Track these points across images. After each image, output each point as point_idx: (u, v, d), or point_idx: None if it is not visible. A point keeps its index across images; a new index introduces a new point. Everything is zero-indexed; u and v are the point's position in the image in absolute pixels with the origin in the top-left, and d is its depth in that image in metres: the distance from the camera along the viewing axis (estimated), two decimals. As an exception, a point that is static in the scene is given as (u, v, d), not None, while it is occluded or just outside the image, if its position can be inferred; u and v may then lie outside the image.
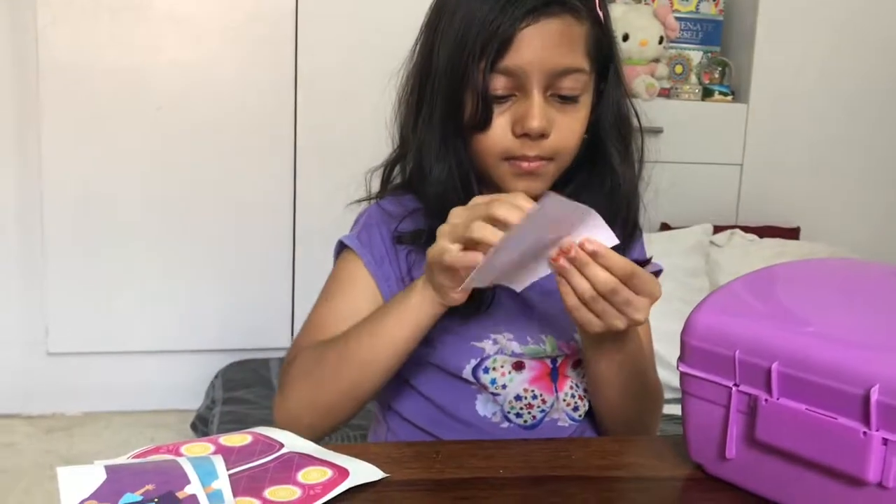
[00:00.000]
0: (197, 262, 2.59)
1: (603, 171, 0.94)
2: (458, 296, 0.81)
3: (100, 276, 2.55)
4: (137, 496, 0.65)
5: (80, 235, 2.51)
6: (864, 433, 0.61)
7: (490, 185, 0.92)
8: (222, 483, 0.68)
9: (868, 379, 0.61)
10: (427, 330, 0.85)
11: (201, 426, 2.35)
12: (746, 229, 2.71)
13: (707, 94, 2.74)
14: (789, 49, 2.74)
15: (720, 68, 2.79)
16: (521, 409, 0.94)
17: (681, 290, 2.42)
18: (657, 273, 1.01)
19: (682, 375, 0.75)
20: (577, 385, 0.97)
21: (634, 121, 0.97)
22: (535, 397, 0.94)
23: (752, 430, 0.69)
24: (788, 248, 2.67)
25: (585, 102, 0.90)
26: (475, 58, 0.85)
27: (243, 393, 2.33)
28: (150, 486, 0.67)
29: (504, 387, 0.93)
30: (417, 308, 0.84)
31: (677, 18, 2.66)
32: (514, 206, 0.75)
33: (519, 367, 0.94)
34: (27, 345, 2.57)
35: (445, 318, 0.87)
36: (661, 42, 2.62)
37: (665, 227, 2.70)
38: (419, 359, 0.93)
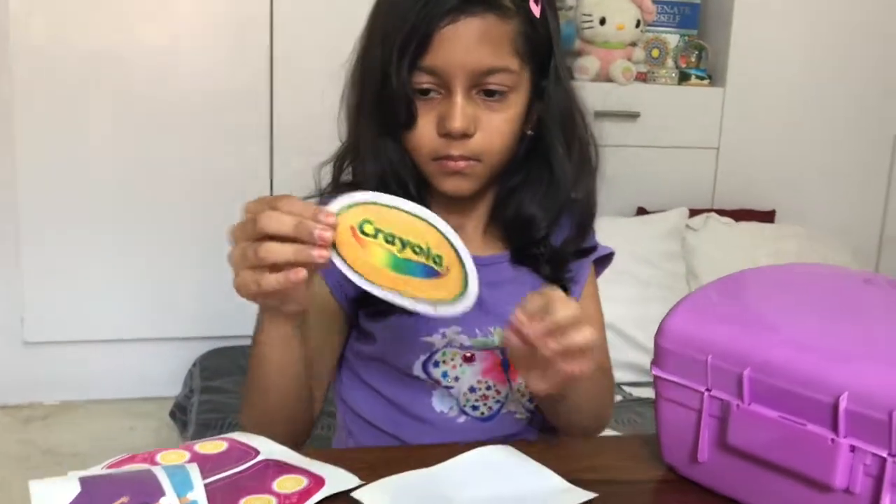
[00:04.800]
0: (174, 250, 2.57)
1: (544, 168, 0.94)
2: (294, 306, 0.77)
3: (76, 264, 2.52)
4: (112, 509, 0.65)
5: (55, 223, 2.48)
6: (833, 440, 0.62)
7: (427, 183, 0.92)
8: (197, 494, 0.68)
9: (837, 387, 0.62)
10: (295, 339, 0.81)
11: (180, 414, 2.34)
12: (722, 213, 2.73)
13: (684, 77, 2.74)
14: (766, 32, 2.74)
15: (697, 52, 2.79)
16: (477, 401, 0.95)
17: (657, 275, 2.44)
18: (609, 256, 1.02)
19: (656, 379, 0.76)
20: None
21: (588, 113, 0.96)
22: (489, 388, 0.95)
23: (724, 435, 0.70)
24: (764, 232, 2.69)
25: (516, 101, 0.88)
26: (398, 56, 0.84)
27: (221, 382, 2.33)
28: (124, 499, 0.67)
29: (457, 379, 0.94)
30: (270, 328, 0.80)
31: (654, 2, 2.65)
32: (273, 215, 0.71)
33: (469, 359, 0.94)
34: (3, 335, 2.55)
35: (393, 317, 0.87)
36: (637, 25, 2.61)
37: (641, 211, 2.71)
38: (373, 359, 0.94)
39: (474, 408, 0.95)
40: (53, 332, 2.56)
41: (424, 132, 0.87)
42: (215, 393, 2.26)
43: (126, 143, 2.47)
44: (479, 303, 0.93)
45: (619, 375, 2.36)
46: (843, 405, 0.62)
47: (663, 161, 2.75)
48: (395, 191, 0.88)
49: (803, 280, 0.82)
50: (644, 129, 2.70)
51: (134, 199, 2.51)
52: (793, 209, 2.88)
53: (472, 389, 0.95)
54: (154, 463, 0.74)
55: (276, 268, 0.70)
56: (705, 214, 2.68)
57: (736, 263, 2.48)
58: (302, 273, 0.69)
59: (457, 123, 0.84)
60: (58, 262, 2.51)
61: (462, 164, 0.87)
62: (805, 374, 0.64)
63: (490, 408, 0.96)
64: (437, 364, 0.94)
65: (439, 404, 0.95)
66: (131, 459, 0.75)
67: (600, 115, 2.63)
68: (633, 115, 2.67)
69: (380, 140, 0.89)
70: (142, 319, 2.60)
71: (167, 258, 2.57)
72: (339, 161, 0.97)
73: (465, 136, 0.85)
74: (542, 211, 0.94)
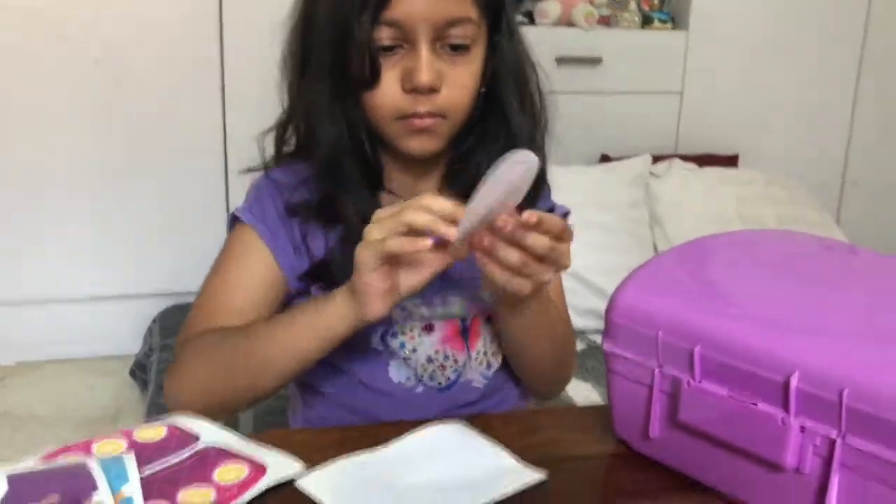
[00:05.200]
0: (129, 206, 2.51)
1: (500, 124, 0.91)
2: (383, 306, 0.77)
3: (30, 223, 2.46)
4: (41, 508, 0.63)
5: (8, 183, 2.41)
6: (783, 420, 0.61)
7: (384, 145, 0.89)
8: (133, 488, 0.66)
9: (788, 366, 0.61)
10: (338, 344, 0.82)
11: (140, 373, 2.31)
12: (686, 158, 2.71)
13: (647, 21, 2.69)
14: (729, -27, 2.70)
15: (660, -7, 2.74)
16: (434, 371, 0.93)
17: (621, 223, 2.43)
18: (565, 215, 1.00)
19: (607, 354, 0.74)
20: (489, 341, 0.96)
21: (539, 66, 0.94)
22: (446, 358, 0.93)
23: (675, 412, 0.68)
24: (726, 177, 2.68)
25: (477, 55, 0.86)
26: (357, 9, 0.80)
27: (181, 340, 2.29)
28: (53, 498, 0.64)
29: (414, 350, 0.92)
30: (335, 320, 0.79)
31: (616, -58, 2.59)
32: (421, 209, 0.72)
33: (429, 329, 0.93)
34: (-43, 296, 2.49)
35: None
36: (600, -33, 2.56)
37: (605, 158, 2.69)
38: None
39: (432, 378, 0.93)
40: (9, 291, 2.51)
41: (388, 90, 0.83)
42: (174, 351, 2.22)
43: (81, 104, 2.40)
44: (440, 273, 0.91)
45: (584, 323, 2.36)
46: (793, 384, 0.60)
47: (626, 107, 2.72)
48: (352, 156, 0.86)
49: (761, 247, 0.80)
50: (606, 75, 2.65)
51: (88, 157, 2.44)
52: (756, 154, 2.87)
53: (429, 360, 0.93)
54: (89, 453, 0.71)
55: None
56: (669, 160, 2.66)
57: (699, 209, 2.50)
58: (428, 242, 0.72)
59: (424, 77, 0.81)
60: (13, 220, 2.44)
61: (429, 121, 0.84)
62: (756, 353, 0.62)
63: (448, 377, 0.94)
64: (395, 335, 0.92)
65: (396, 375, 0.93)
66: (65, 451, 0.72)
67: (562, 60, 2.58)
68: (595, 61, 2.62)
69: (336, 102, 0.85)
70: (100, 277, 2.55)
71: (125, 215, 2.51)
72: (283, 128, 0.93)
73: (432, 91, 0.83)
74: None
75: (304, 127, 0.89)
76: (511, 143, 0.90)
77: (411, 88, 0.82)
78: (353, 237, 0.80)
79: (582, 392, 2.01)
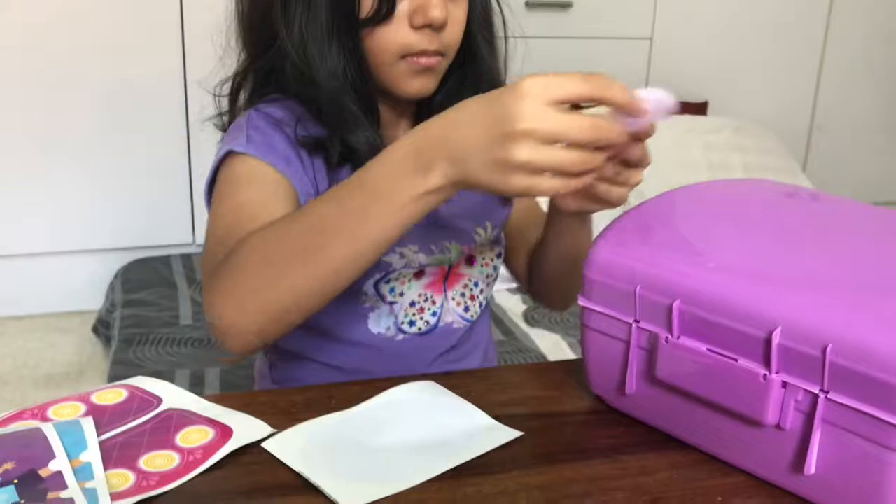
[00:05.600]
0: (91, 161, 2.44)
1: (475, 68, 0.91)
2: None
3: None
4: (-6, 478, 0.59)
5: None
6: (765, 376, 0.59)
7: (378, 89, 0.86)
8: (92, 454, 0.63)
9: (770, 321, 0.59)
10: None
11: (103, 329, 2.27)
12: (655, 106, 2.69)
13: (617, -36, 2.64)
14: (700, -85, 2.65)
15: (630, -64, 2.68)
16: (414, 315, 0.92)
17: (590, 172, 2.40)
18: None
19: (583, 310, 0.72)
20: (472, 284, 0.95)
21: (506, 7, 0.94)
22: (426, 300, 0.92)
23: (653, 368, 0.67)
24: (696, 124, 2.67)
25: None
26: None
27: (144, 294, 2.25)
28: (8, 465, 0.61)
29: (402, 294, 0.90)
30: (426, 196, 0.64)
31: None
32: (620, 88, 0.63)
33: (419, 274, 0.91)
34: (-89, 252, 2.41)
35: None
36: None
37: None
38: None
39: (411, 323, 0.92)
40: (-37, 247, 2.44)
41: (398, 26, 0.81)
42: (138, 306, 2.18)
43: (38, 55, 2.31)
44: (434, 219, 0.88)
45: (552, 275, 2.35)
46: (776, 340, 0.58)
47: (596, 53, 2.68)
48: (353, 94, 0.83)
49: (735, 198, 0.77)
50: (576, 20, 2.61)
51: (49, 111, 2.36)
52: (725, 101, 2.86)
53: (412, 304, 0.91)
54: (45, 419, 0.68)
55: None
56: (638, 108, 2.64)
57: (667, 155, 2.48)
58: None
59: (438, 12, 0.80)
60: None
61: (434, 59, 0.83)
62: (737, 308, 0.61)
63: (427, 321, 0.93)
64: (388, 282, 0.89)
65: (376, 326, 0.90)
66: (19, 416, 0.69)
67: (531, 5, 2.53)
68: (564, 6, 2.57)
69: (337, 38, 0.82)
70: (60, 232, 2.49)
71: (85, 169, 2.45)
72: (263, 73, 0.88)
73: (441, 27, 0.82)
74: None
75: (297, 65, 0.83)
76: (483, 90, 0.88)
77: (423, 24, 0.81)
78: None
79: (549, 342, 2.01)
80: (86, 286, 2.53)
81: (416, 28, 0.81)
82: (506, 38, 0.94)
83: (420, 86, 0.85)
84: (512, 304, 2.22)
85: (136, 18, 2.36)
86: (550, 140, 0.59)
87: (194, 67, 2.41)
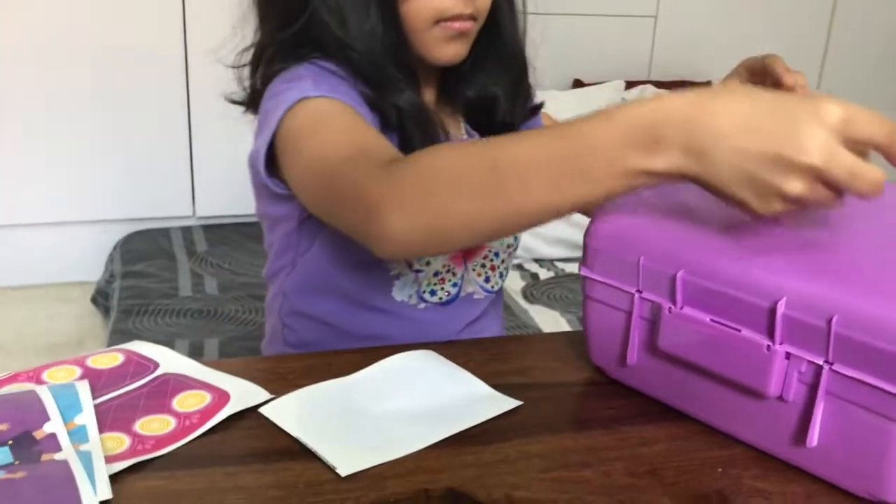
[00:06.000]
0: (91, 131, 2.43)
1: (500, 38, 0.90)
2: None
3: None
4: (-11, 439, 0.59)
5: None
6: (768, 347, 0.59)
7: (409, 56, 0.85)
8: (87, 417, 0.63)
9: (775, 292, 0.58)
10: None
11: (102, 300, 2.26)
12: (659, 84, 2.67)
13: (623, -60, 2.61)
14: None
15: (637, -89, 2.65)
16: (436, 284, 0.91)
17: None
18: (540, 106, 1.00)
19: (584, 279, 0.71)
20: (492, 254, 0.95)
21: None
22: (448, 271, 0.92)
23: (655, 339, 0.66)
24: (700, 103, 2.65)
25: None
26: None
27: (144, 266, 2.24)
28: (2, 426, 0.60)
29: (428, 263, 0.90)
30: (642, 175, 0.58)
31: None
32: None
33: None
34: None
35: None
36: None
37: (578, 83, 2.64)
38: (341, 249, 0.86)
39: (433, 293, 0.91)
40: (-37, 216, 2.43)
41: None
42: (137, 277, 2.18)
43: (38, 23, 2.29)
44: None
45: (551, 251, 2.34)
46: (780, 310, 0.58)
47: (600, 30, 2.66)
48: (390, 63, 0.82)
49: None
50: (581, -4, 2.58)
51: (49, 80, 2.35)
52: (729, 80, 2.83)
53: (436, 273, 0.91)
54: (40, 382, 0.68)
55: None
56: (641, 86, 2.62)
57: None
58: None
59: None
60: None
61: (468, 23, 0.84)
62: (742, 278, 0.60)
63: (448, 292, 0.92)
64: None
65: (400, 293, 0.90)
66: (14, 378, 0.68)
67: (536, -20, 2.50)
68: (569, -19, 2.55)
69: (370, 6, 0.81)
70: (61, 202, 2.48)
71: (85, 139, 2.43)
72: (290, 42, 0.84)
73: None
74: (502, 88, 0.92)
75: (336, 29, 0.82)
76: (510, 59, 0.92)
77: None
78: (410, 145, 0.79)
79: (548, 318, 2.01)
80: (86, 257, 2.52)
81: None
82: (525, 13, 0.93)
83: (453, 52, 0.85)
84: (510, 280, 2.21)
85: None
86: (830, 182, 0.54)
87: (195, 39, 2.39)
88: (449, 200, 0.63)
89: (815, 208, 0.56)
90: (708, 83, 2.80)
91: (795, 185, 0.54)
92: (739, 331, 0.60)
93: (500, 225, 0.64)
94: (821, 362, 0.57)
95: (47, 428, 0.61)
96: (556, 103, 2.37)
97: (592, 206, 0.64)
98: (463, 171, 0.63)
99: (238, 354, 1.77)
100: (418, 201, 0.64)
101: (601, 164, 0.58)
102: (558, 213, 0.62)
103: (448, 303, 0.93)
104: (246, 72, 0.90)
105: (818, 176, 0.53)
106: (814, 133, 0.52)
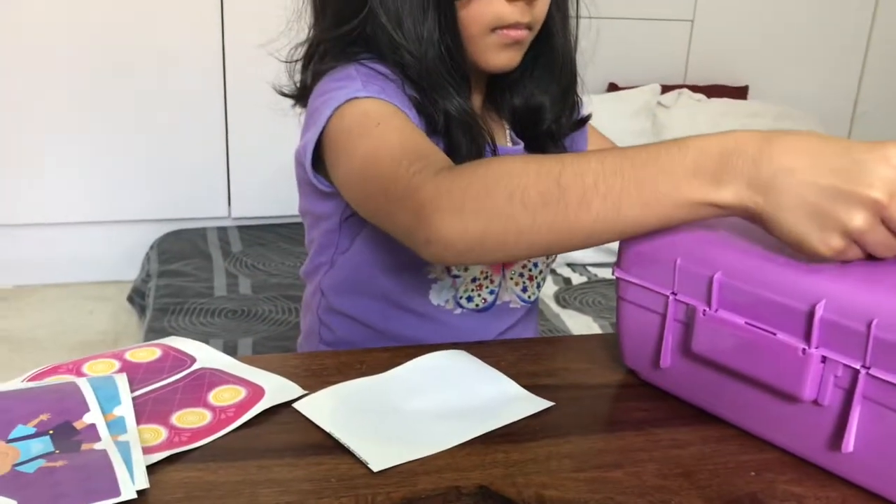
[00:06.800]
0: (130, 131, 2.47)
1: (550, 45, 0.90)
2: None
3: (27, 145, 2.41)
4: (30, 428, 0.60)
5: (8, 106, 2.36)
6: (804, 350, 0.58)
7: (463, 62, 0.85)
8: (125, 409, 0.64)
9: (813, 294, 0.58)
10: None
11: (138, 299, 2.29)
12: (695, 89, 2.65)
13: (660, -56, 2.60)
14: None
15: (674, -85, 2.64)
16: (473, 290, 0.91)
17: (626, 154, 2.38)
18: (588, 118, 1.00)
19: (619, 281, 0.71)
20: (531, 264, 0.95)
21: None
22: (486, 278, 0.92)
23: (689, 341, 0.66)
24: (735, 108, 2.63)
25: None
26: None
27: (180, 265, 2.27)
28: (44, 416, 0.62)
29: (466, 269, 0.90)
30: (706, 206, 0.59)
31: None
32: None
33: None
34: (-47, 219, 2.46)
35: None
36: None
37: (613, 87, 2.63)
38: (381, 249, 0.87)
39: (469, 299, 0.91)
40: (9, 215, 2.48)
41: None
42: (173, 276, 2.21)
43: (74, 20, 2.33)
44: None
45: (584, 256, 2.33)
46: (819, 313, 0.57)
47: (636, 34, 2.65)
48: (444, 68, 0.82)
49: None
50: (617, 0, 2.57)
51: (89, 81, 2.39)
52: (766, 85, 2.81)
53: (474, 279, 0.91)
54: (80, 374, 0.69)
55: None
56: (677, 91, 2.60)
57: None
58: None
59: None
60: (11, 145, 2.40)
61: (523, 32, 0.84)
62: (780, 280, 0.59)
63: (484, 299, 0.92)
64: None
65: (437, 297, 0.90)
66: (55, 370, 0.69)
67: (571, -16, 2.50)
68: (605, -15, 2.54)
69: (432, 7, 0.81)
70: (99, 202, 2.52)
71: (123, 140, 2.47)
72: (343, 40, 0.85)
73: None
74: (549, 98, 0.92)
75: (392, 31, 0.82)
76: (559, 70, 0.90)
77: None
78: (457, 150, 0.79)
79: (580, 323, 2.00)
80: (122, 256, 2.56)
81: (510, 0, 0.81)
82: (577, 17, 0.92)
83: (507, 59, 0.85)
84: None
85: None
86: (891, 222, 0.54)
87: (233, 40, 2.42)
88: (507, 207, 0.63)
89: (871, 250, 0.56)
90: (744, 88, 2.77)
91: (857, 218, 0.54)
92: (775, 334, 0.60)
93: (553, 239, 0.64)
94: (858, 366, 0.56)
95: (87, 419, 0.62)
96: (591, 107, 2.36)
97: (646, 231, 0.63)
98: (526, 181, 0.63)
99: (272, 353, 1.78)
100: (475, 206, 0.64)
101: (666, 188, 0.59)
102: (612, 234, 0.63)
103: (484, 310, 0.93)
104: (298, 66, 0.90)
105: (881, 213, 0.54)
106: (880, 170, 0.54)
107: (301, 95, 0.90)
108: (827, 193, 0.55)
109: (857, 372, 0.56)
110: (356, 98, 0.78)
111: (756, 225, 0.59)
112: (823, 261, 0.58)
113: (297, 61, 0.90)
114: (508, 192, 0.63)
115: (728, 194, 0.58)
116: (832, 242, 0.56)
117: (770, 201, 0.56)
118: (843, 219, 0.54)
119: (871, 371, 0.56)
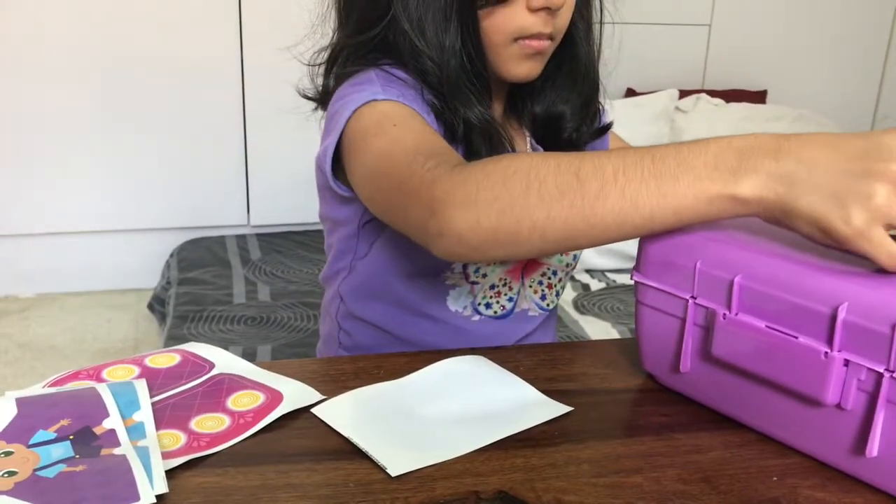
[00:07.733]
0: (149, 140, 2.49)
1: (572, 53, 0.89)
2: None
3: (50, 156, 2.44)
4: (51, 433, 0.61)
5: (27, 115, 2.39)
6: (826, 354, 0.58)
7: (484, 70, 0.85)
8: (144, 414, 0.64)
9: (836, 297, 0.57)
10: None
11: (158, 306, 2.31)
12: (713, 93, 2.64)
13: (677, -51, 2.59)
14: None
15: (691, -80, 2.63)
16: (491, 297, 0.91)
17: (644, 159, 2.37)
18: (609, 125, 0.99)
19: (637, 285, 0.70)
20: (550, 272, 0.94)
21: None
22: (504, 285, 0.92)
23: (709, 345, 0.65)
24: (754, 113, 2.61)
25: None
26: None
27: (199, 273, 2.29)
28: (65, 422, 0.62)
29: (484, 276, 0.90)
30: (725, 200, 0.59)
31: None
32: None
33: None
34: (-26, 228, 2.49)
35: None
36: None
37: (631, 92, 2.62)
38: (399, 253, 0.87)
39: (487, 306, 0.91)
40: (29, 224, 2.50)
41: (517, 8, 0.81)
42: (193, 284, 2.22)
43: (91, 29, 2.36)
44: None
45: (602, 262, 2.33)
46: (841, 316, 0.56)
47: (654, 39, 2.64)
48: (465, 76, 0.82)
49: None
50: (634, 5, 2.57)
51: (108, 90, 2.41)
52: (785, 89, 2.79)
53: (492, 286, 0.91)
54: (100, 380, 0.69)
55: None
56: (695, 96, 2.59)
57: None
58: None
59: None
60: (33, 154, 2.43)
61: (546, 42, 0.83)
62: (801, 283, 0.59)
63: (503, 306, 0.92)
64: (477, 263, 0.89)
65: (454, 304, 0.90)
66: (75, 376, 0.70)
67: (588, -10, 2.50)
68: (622, -10, 2.54)
69: (454, 16, 0.81)
70: (119, 210, 2.54)
71: (143, 148, 2.49)
72: (365, 46, 0.85)
73: (558, 10, 0.82)
74: (570, 106, 0.91)
75: (415, 38, 0.82)
76: (582, 78, 0.90)
77: (541, 7, 0.80)
78: (476, 157, 0.78)
79: (599, 329, 1.99)
80: (142, 264, 2.58)
81: (533, 11, 0.81)
82: (601, 23, 0.92)
83: (528, 69, 0.85)
84: (562, 290, 2.20)
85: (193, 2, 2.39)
86: None
87: (251, 50, 2.44)
88: (522, 198, 0.62)
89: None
90: (763, 92, 2.75)
91: (879, 191, 0.54)
92: (796, 337, 0.59)
93: (567, 233, 0.62)
94: (881, 370, 0.56)
95: (107, 424, 0.62)
96: (609, 112, 2.36)
97: (662, 229, 0.63)
98: (546, 173, 0.62)
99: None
100: (489, 196, 0.63)
101: (686, 180, 0.59)
102: (627, 229, 0.62)
103: (503, 317, 0.93)
104: (320, 70, 0.91)
105: None
106: None
107: (323, 99, 0.91)
108: (847, 174, 0.55)
109: (880, 375, 0.56)
110: (374, 100, 0.78)
111: (774, 224, 0.59)
112: (846, 249, 0.57)
113: (319, 65, 0.91)
114: (526, 183, 0.62)
115: (747, 187, 0.58)
116: (854, 220, 0.55)
117: (791, 191, 0.57)
118: (865, 192, 0.54)
119: None
